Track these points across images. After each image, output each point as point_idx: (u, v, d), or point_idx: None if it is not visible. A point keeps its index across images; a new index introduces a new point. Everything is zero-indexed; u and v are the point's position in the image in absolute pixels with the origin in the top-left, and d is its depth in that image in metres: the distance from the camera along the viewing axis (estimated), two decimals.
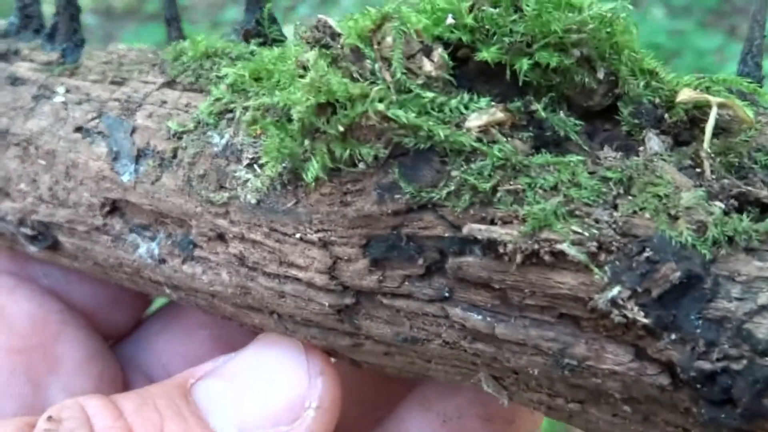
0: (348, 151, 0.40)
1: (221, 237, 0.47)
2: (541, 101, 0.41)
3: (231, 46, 0.53)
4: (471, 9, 0.41)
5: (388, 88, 0.39)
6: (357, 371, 0.52)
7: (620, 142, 0.42)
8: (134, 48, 0.58)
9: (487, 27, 0.41)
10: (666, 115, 0.42)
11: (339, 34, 0.41)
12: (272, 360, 0.49)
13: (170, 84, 0.52)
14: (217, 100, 0.49)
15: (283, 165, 0.42)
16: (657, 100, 0.42)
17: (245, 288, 0.47)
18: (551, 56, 0.40)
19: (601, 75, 0.42)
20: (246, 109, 0.47)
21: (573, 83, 0.42)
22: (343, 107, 0.39)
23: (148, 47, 0.58)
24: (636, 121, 0.42)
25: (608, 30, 0.41)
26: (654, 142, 0.41)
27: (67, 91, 0.55)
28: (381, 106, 0.38)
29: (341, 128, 0.39)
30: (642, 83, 0.43)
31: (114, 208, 0.51)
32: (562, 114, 0.41)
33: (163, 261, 0.50)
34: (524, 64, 0.40)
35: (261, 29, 0.54)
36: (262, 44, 0.53)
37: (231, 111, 0.48)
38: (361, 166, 0.40)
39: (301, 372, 0.48)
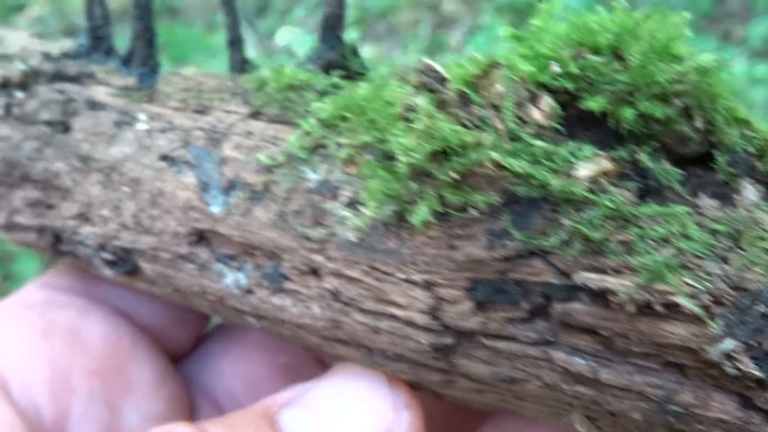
0: (460, 198, 0.41)
1: (315, 271, 0.48)
2: (642, 149, 0.42)
3: (314, 78, 0.53)
4: (574, 57, 0.42)
5: (500, 136, 0.40)
6: (432, 400, 0.53)
7: (714, 190, 0.43)
8: (211, 74, 0.58)
9: (590, 75, 0.42)
10: (758, 164, 0.43)
11: (446, 79, 0.42)
12: (357, 391, 0.50)
13: (255, 115, 0.53)
14: (307, 134, 0.49)
15: (390, 208, 0.43)
16: (750, 149, 0.43)
17: (337, 322, 0.48)
18: (655, 107, 0.41)
19: (699, 124, 0.43)
20: (340, 145, 0.48)
21: (671, 132, 0.42)
22: (456, 154, 0.40)
23: (224, 73, 0.59)
24: (732, 170, 0.43)
25: (708, 81, 0.42)
26: (749, 191, 0.42)
27: (149, 117, 0.55)
28: (496, 155, 0.39)
29: (455, 175, 0.40)
30: (736, 132, 0.43)
31: (200, 237, 0.52)
32: (664, 163, 0.42)
33: (250, 291, 0.51)
34: (628, 113, 0.41)
35: (342, 61, 0.55)
36: (345, 77, 0.54)
37: (323, 146, 0.48)
38: (473, 212, 0.41)
39: (387, 405, 0.49)
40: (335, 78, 0.54)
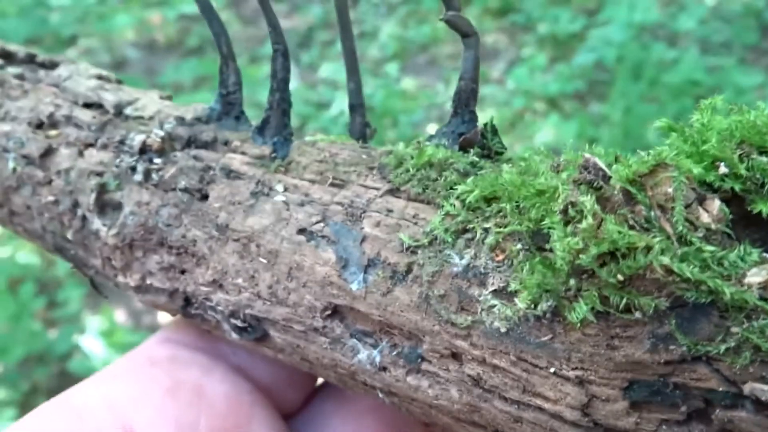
0: (624, 299, 0.40)
1: (456, 356, 0.48)
2: None
3: (454, 157, 0.53)
4: (740, 156, 0.42)
5: (668, 238, 0.39)
6: None
7: None
8: (342, 145, 0.59)
9: (757, 176, 0.41)
10: None
11: (609, 177, 0.41)
12: None
13: (394, 192, 0.53)
14: (451, 216, 0.49)
15: (546, 303, 0.43)
16: None
17: (475, 407, 0.47)
18: None
19: None
20: (486, 230, 0.48)
21: None
22: (623, 257, 0.39)
23: (354, 143, 0.59)
24: None
25: None
26: None
27: (286, 189, 0.56)
28: (666, 260, 0.39)
29: (621, 278, 0.39)
30: None
31: (335, 312, 0.52)
32: None
33: (384, 369, 0.51)
34: None
35: (481, 139, 0.55)
36: (484, 156, 0.54)
37: (468, 231, 0.48)
38: (637, 314, 0.40)
39: None
40: (474, 157, 0.54)
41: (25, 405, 2.15)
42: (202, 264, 0.57)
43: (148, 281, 0.59)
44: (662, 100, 3.02)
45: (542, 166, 0.51)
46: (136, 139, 0.61)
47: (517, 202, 0.47)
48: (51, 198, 0.63)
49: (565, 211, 0.42)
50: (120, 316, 2.46)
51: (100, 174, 0.61)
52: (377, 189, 0.54)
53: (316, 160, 0.57)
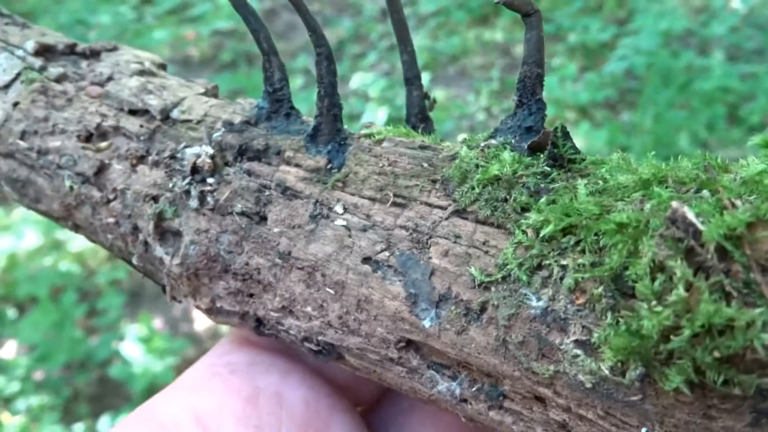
0: (722, 376, 0.36)
1: (540, 399, 0.45)
2: None
3: (522, 168, 0.49)
4: None
5: None
6: None
7: None
8: (405, 149, 0.54)
9: None
10: None
11: (701, 232, 0.37)
12: None
13: (460, 213, 0.49)
14: (523, 246, 0.46)
15: (635, 371, 0.39)
16: None
17: None
18: None
19: None
20: (564, 268, 0.44)
21: None
22: (720, 334, 0.36)
23: (417, 141, 0.55)
24: None
25: None
26: None
27: (345, 209, 0.53)
28: None
29: (718, 355, 0.36)
30: None
31: (410, 342, 0.50)
32: None
33: (465, 401, 0.49)
34: None
35: (552, 148, 0.49)
36: (555, 165, 0.49)
37: (544, 267, 0.45)
38: (737, 390, 0.37)
39: None
40: (545, 166, 0.49)
41: (67, 410, 2.24)
42: (269, 290, 0.55)
43: (218, 304, 0.58)
44: (694, 107, 2.99)
45: (622, 179, 0.46)
46: (187, 157, 0.58)
47: (596, 235, 0.43)
48: (111, 219, 0.61)
49: (654, 272, 0.38)
50: (158, 323, 2.52)
51: (155, 198, 0.59)
52: (442, 209, 0.50)
53: (374, 172, 0.53)
